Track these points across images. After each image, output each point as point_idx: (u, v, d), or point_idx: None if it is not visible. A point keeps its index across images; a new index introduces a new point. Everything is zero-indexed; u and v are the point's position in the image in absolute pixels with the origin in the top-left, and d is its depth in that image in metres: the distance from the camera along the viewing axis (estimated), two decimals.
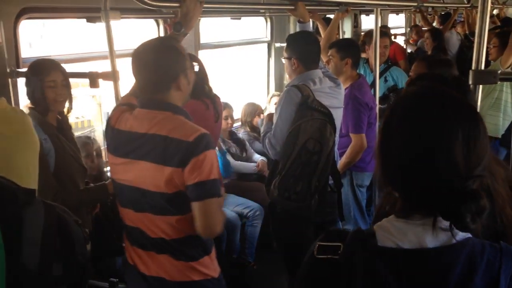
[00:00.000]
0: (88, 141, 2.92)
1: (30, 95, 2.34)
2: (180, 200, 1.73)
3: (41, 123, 2.26)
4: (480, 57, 1.78)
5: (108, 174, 3.14)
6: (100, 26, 2.47)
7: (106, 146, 1.90)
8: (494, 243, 0.94)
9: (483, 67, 1.81)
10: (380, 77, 4.24)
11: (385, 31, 4.98)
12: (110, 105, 2.60)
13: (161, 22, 3.62)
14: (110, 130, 1.86)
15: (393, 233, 0.93)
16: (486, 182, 1.00)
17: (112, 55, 2.48)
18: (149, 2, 2.09)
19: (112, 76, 2.49)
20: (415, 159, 0.92)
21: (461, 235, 0.92)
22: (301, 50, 2.63)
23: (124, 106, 1.91)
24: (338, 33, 5.48)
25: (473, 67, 1.79)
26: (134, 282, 1.92)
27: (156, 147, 1.71)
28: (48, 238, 1.44)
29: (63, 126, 2.46)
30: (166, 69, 1.76)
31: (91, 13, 2.71)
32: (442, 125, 0.92)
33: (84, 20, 2.80)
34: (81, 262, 1.77)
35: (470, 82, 1.79)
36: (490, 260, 0.91)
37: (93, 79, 2.54)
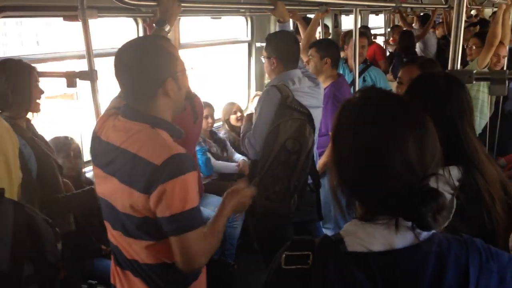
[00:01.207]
0: (66, 141, 2.87)
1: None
2: (149, 226, 1.53)
3: (15, 128, 2.20)
4: (456, 57, 1.81)
5: (87, 175, 3.12)
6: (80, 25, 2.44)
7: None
8: (457, 236, 0.95)
9: (459, 67, 1.84)
10: (359, 77, 4.28)
11: (363, 31, 5.01)
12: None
13: (140, 21, 3.59)
14: (93, 137, 1.68)
15: (361, 237, 0.92)
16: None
17: (89, 54, 2.45)
18: (126, 0, 2.06)
19: (90, 75, 2.47)
20: (371, 164, 0.92)
21: (426, 232, 0.93)
22: (281, 49, 2.63)
23: (112, 110, 1.71)
24: (326, 32, 5.52)
25: (449, 67, 1.82)
26: None
27: (125, 165, 1.51)
28: (18, 238, 1.41)
29: (32, 127, 2.43)
30: (151, 72, 1.53)
31: (69, 12, 2.67)
32: (393, 127, 0.92)
33: (61, 18, 2.76)
34: (51, 261, 1.74)
35: None
36: (457, 254, 0.91)
37: (70, 78, 2.51)
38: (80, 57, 2.63)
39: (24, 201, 2.13)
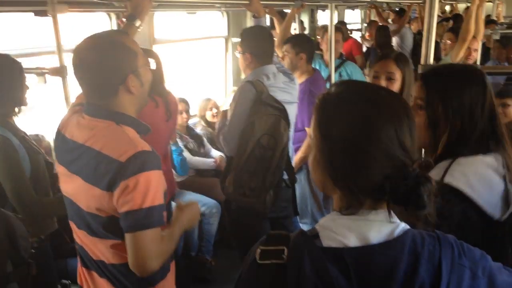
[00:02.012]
0: (37, 139, 2.81)
1: None
2: (114, 225, 1.48)
3: (7, 126, 2.11)
4: (428, 51, 1.82)
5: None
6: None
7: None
8: (431, 232, 0.96)
9: (432, 62, 1.85)
10: (335, 72, 4.30)
11: (338, 26, 5.02)
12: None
13: (113, 16, 3.54)
14: (57, 134, 1.63)
15: (337, 231, 0.92)
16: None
17: (59, 49, 2.41)
18: None
19: (61, 71, 2.42)
20: (369, 147, 0.91)
21: (401, 228, 0.93)
22: (255, 45, 2.61)
23: (77, 106, 1.67)
24: (302, 28, 5.50)
25: (421, 62, 1.83)
26: None
27: (88, 163, 1.48)
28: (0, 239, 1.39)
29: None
30: (112, 69, 1.49)
31: (39, 7, 2.61)
32: (389, 111, 0.94)
33: (32, 14, 2.70)
34: (24, 257, 1.71)
35: (419, 76, 1.82)
36: (431, 250, 0.91)
37: (40, 75, 2.45)
38: (52, 53, 2.58)
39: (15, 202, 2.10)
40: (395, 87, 2.27)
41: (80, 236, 1.62)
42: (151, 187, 1.44)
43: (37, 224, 2.29)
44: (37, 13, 2.65)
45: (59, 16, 2.39)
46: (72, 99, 2.39)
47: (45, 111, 3.20)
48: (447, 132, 1.44)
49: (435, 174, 1.39)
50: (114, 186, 1.42)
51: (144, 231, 1.43)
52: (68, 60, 2.43)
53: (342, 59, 4.43)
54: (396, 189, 0.90)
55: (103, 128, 1.50)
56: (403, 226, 0.94)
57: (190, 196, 3.74)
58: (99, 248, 1.57)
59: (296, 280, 0.88)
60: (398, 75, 2.29)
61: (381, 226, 0.92)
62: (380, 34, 6.32)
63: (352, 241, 0.91)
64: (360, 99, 0.96)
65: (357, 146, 0.92)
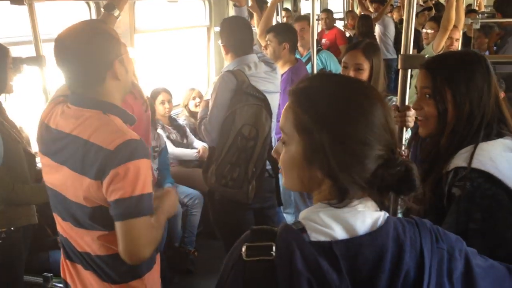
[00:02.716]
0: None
1: None
2: (102, 215, 1.48)
3: None
4: (408, 41, 1.81)
5: (39, 165, 3.02)
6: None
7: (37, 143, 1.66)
8: (408, 218, 0.97)
9: (411, 51, 1.85)
10: (309, 61, 4.28)
11: (304, 15, 4.99)
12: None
13: (92, 5, 3.48)
14: (40, 124, 1.61)
15: (323, 224, 0.91)
16: None
17: (36, 39, 2.36)
18: None
19: (38, 61, 2.37)
20: (366, 139, 0.91)
21: (382, 216, 0.94)
22: (231, 36, 2.59)
23: (60, 97, 1.65)
24: (288, 16, 5.43)
25: (401, 52, 1.83)
26: None
27: (76, 152, 1.46)
28: None
29: (3, 111, 2.34)
30: (98, 55, 1.49)
31: None
32: (378, 99, 0.95)
33: (8, 2, 2.63)
34: None
35: (399, 66, 1.82)
36: (412, 237, 0.92)
37: (16, 64, 2.40)
38: (29, 42, 2.53)
39: None
40: (363, 77, 2.34)
41: (65, 228, 1.61)
42: (140, 175, 1.43)
43: (6, 215, 2.25)
44: (13, 1, 2.59)
45: (36, 4, 2.34)
46: (50, 89, 2.36)
47: (23, 102, 3.15)
48: (454, 119, 1.46)
49: (460, 161, 1.40)
50: (103, 174, 1.42)
51: (136, 218, 1.43)
52: (46, 50, 2.39)
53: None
54: (390, 176, 0.91)
55: (90, 117, 1.49)
56: (384, 214, 0.94)
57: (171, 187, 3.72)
58: (85, 240, 1.56)
59: (288, 276, 0.86)
60: (366, 66, 2.36)
61: (366, 216, 0.92)
62: (362, 23, 6.32)
63: (340, 233, 0.90)
64: (348, 88, 0.97)
65: (356, 135, 0.91)
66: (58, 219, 1.64)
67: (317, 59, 4.18)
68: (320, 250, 0.88)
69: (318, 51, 4.37)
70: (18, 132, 2.41)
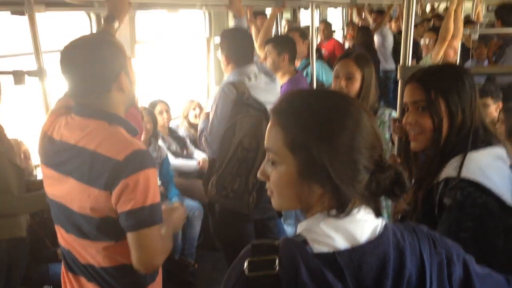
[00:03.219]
0: (15, 143, 2.76)
1: None
2: (109, 226, 1.49)
3: None
4: (407, 52, 1.83)
5: (38, 177, 3.02)
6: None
7: (38, 155, 1.65)
8: (405, 224, 0.98)
9: (410, 62, 1.86)
10: (302, 70, 4.29)
11: (296, 27, 5.01)
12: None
13: (93, 16, 3.49)
14: (43, 136, 1.61)
15: (325, 235, 0.90)
16: None
17: (37, 50, 2.36)
18: None
19: (39, 73, 2.38)
20: (361, 148, 0.92)
21: (381, 223, 0.94)
22: (233, 47, 2.60)
23: (61, 109, 1.66)
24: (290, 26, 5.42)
25: (400, 63, 1.84)
26: None
27: (82, 164, 1.46)
28: None
29: None
30: (105, 66, 1.49)
31: (16, 6, 2.56)
32: (363, 108, 0.96)
33: (9, 13, 2.65)
34: None
35: (398, 77, 1.83)
36: (411, 242, 0.93)
37: (18, 76, 2.40)
38: (30, 54, 2.53)
39: None
40: (355, 86, 2.34)
41: (68, 240, 1.60)
42: (150, 185, 1.45)
43: None
44: (14, 12, 2.61)
45: (37, 16, 2.35)
46: (51, 101, 2.36)
47: (23, 114, 3.16)
48: (448, 129, 1.47)
49: (450, 170, 1.41)
50: (113, 185, 1.42)
51: (148, 228, 1.44)
52: (46, 61, 2.40)
53: (307, 60, 4.41)
54: (382, 181, 0.93)
55: (96, 128, 1.49)
56: (381, 221, 0.94)
57: (174, 199, 3.71)
58: (89, 252, 1.55)
59: None
60: (358, 75, 2.35)
61: (365, 224, 0.92)
62: (362, 34, 6.36)
63: (341, 243, 0.90)
64: (336, 100, 0.97)
65: (352, 145, 0.91)
66: (60, 231, 1.63)
67: (309, 70, 4.20)
68: (324, 262, 0.88)
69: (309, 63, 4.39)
70: (6, 144, 2.41)
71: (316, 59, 4.27)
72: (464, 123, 1.46)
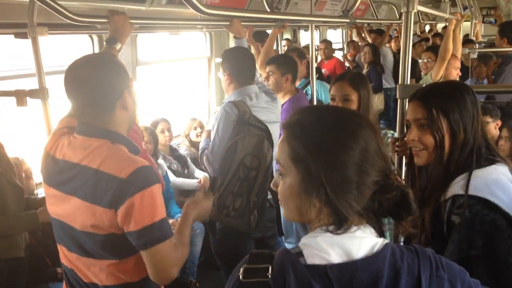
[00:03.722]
0: (17, 162, 2.77)
1: None
2: (113, 244, 1.50)
3: None
4: (406, 71, 1.85)
5: (39, 196, 3.02)
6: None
7: (41, 174, 1.68)
8: (408, 245, 0.97)
9: (409, 81, 1.88)
10: (302, 90, 4.31)
11: (294, 47, 5.07)
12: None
13: (95, 38, 3.54)
14: (45, 156, 1.63)
15: (320, 249, 0.93)
16: None
17: (40, 72, 2.39)
18: (75, 18, 2.01)
19: (41, 94, 2.40)
20: (361, 166, 0.94)
21: (380, 242, 0.95)
22: (235, 65, 2.63)
23: (64, 129, 1.68)
24: (290, 46, 5.50)
25: (399, 82, 1.86)
26: None
27: (86, 182, 1.47)
28: None
29: None
30: (109, 85, 1.52)
31: (19, 29, 2.60)
32: (369, 127, 0.98)
33: (12, 36, 2.69)
34: None
35: (397, 96, 1.85)
36: (410, 264, 0.93)
37: (20, 97, 2.43)
38: (32, 75, 2.56)
39: None
40: (351, 108, 2.27)
41: (70, 259, 1.61)
42: (157, 201, 1.46)
43: None
44: (17, 35, 2.64)
45: (40, 38, 2.38)
46: (53, 122, 2.38)
47: (25, 134, 3.17)
48: (450, 147, 1.48)
49: (457, 188, 1.42)
50: (118, 203, 1.43)
51: (161, 244, 1.46)
52: (48, 82, 2.42)
53: (306, 79, 4.43)
54: (386, 201, 0.93)
55: (99, 146, 1.50)
56: (382, 240, 0.95)
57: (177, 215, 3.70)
58: (92, 270, 1.55)
59: None
60: (354, 96, 2.32)
61: (363, 242, 0.93)
62: (369, 51, 6.49)
63: (335, 258, 0.91)
64: (340, 118, 0.99)
65: (350, 162, 0.93)
66: (63, 250, 1.63)
67: (308, 90, 4.23)
68: (314, 273, 0.90)
69: (310, 82, 4.41)
70: (6, 164, 2.42)
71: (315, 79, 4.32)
72: (466, 140, 1.47)
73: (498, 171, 1.44)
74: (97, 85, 1.50)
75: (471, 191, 1.38)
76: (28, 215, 2.46)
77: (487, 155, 1.48)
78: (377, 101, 6.27)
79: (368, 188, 0.93)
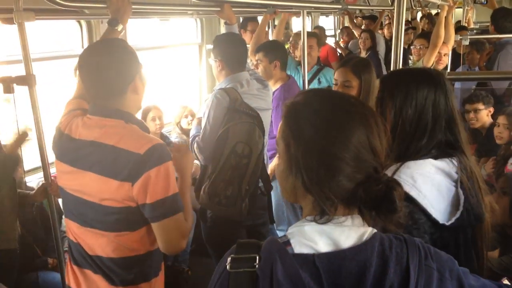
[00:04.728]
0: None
1: None
2: (125, 217, 1.60)
3: None
4: (398, 58, 1.84)
5: (28, 184, 3.00)
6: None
7: (53, 151, 1.77)
8: (398, 235, 0.97)
9: (400, 67, 1.87)
10: (313, 78, 4.29)
11: (313, 32, 5.02)
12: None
13: (84, 23, 3.48)
14: (59, 135, 1.73)
15: (308, 237, 0.93)
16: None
17: (26, 58, 2.33)
18: (62, 2, 1.97)
19: (28, 80, 2.35)
20: (342, 154, 0.93)
21: (369, 232, 0.95)
22: (227, 52, 2.60)
23: (76, 110, 1.78)
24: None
25: (391, 68, 1.85)
26: None
27: (103, 158, 1.57)
28: None
29: None
30: (122, 69, 1.62)
31: (5, 14, 2.55)
32: (362, 119, 0.96)
33: None
34: None
35: None
36: (398, 253, 0.93)
37: (6, 84, 2.38)
38: (19, 61, 2.51)
39: None
40: (352, 94, 2.29)
41: (78, 233, 1.70)
42: (170, 176, 1.57)
43: None
44: (3, 21, 2.60)
45: (26, 24, 2.33)
46: (41, 109, 2.35)
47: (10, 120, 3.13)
48: (390, 133, 1.44)
49: None
50: (135, 178, 1.53)
51: (172, 217, 1.58)
52: (36, 69, 2.38)
53: (320, 65, 4.43)
54: (369, 194, 0.92)
55: (115, 125, 1.61)
56: (371, 230, 0.95)
57: None
58: (100, 243, 1.65)
59: (269, 287, 0.89)
60: (354, 83, 2.35)
61: (351, 231, 0.93)
62: (367, 37, 6.46)
63: (323, 247, 0.92)
64: (331, 105, 0.98)
65: (330, 152, 0.93)
66: (70, 224, 1.73)
67: (321, 77, 4.20)
68: (302, 262, 0.90)
69: (321, 69, 4.39)
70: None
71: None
72: (412, 133, 1.43)
73: (432, 165, 1.41)
74: (110, 69, 1.60)
75: None
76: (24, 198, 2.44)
77: (444, 149, 1.43)
78: (376, 87, 6.24)
79: (346, 179, 0.93)
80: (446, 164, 1.41)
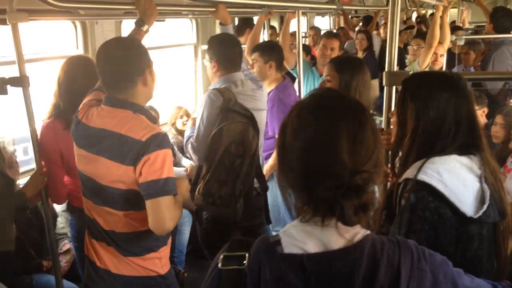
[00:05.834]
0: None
1: None
2: (133, 197, 1.80)
3: None
4: (392, 58, 1.83)
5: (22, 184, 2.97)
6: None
7: (72, 138, 1.96)
8: (391, 237, 0.97)
9: (395, 68, 1.87)
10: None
11: (337, 33, 4.98)
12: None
13: (78, 24, 3.46)
14: (76, 123, 1.92)
15: (298, 238, 0.93)
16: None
17: (20, 59, 2.32)
18: (56, 3, 1.96)
19: (21, 81, 2.34)
20: (306, 160, 0.94)
21: (361, 233, 0.94)
22: (221, 52, 2.59)
23: (93, 101, 1.96)
24: (273, 34, 5.43)
25: (386, 69, 1.84)
26: (88, 273, 2.02)
27: (113, 145, 1.78)
28: None
29: None
30: (133, 61, 1.81)
31: None
32: (325, 124, 0.94)
33: None
34: None
35: (384, 83, 1.83)
36: (390, 255, 0.92)
37: (0, 85, 2.37)
38: (12, 62, 2.50)
39: None
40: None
41: (94, 210, 1.93)
42: (167, 161, 1.76)
43: None
44: None
45: (20, 25, 2.32)
46: (35, 109, 2.34)
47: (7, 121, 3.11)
48: (411, 133, 1.48)
49: (409, 172, 1.42)
50: (136, 161, 1.73)
51: (163, 197, 1.74)
52: (29, 70, 2.36)
53: None
54: (328, 201, 0.91)
55: (124, 116, 1.80)
56: (363, 231, 0.95)
57: None
58: (113, 218, 1.88)
59: (256, 285, 0.90)
60: (333, 79, 2.48)
61: (341, 233, 0.93)
62: (363, 37, 6.46)
63: (312, 247, 0.92)
64: (323, 108, 0.98)
65: (314, 155, 0.93)
66: (88, 203, 1.96)
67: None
68: (290, 262, 0.91)
69: None
70: None
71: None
72: (435, 132, 1.45)
73: (457, 160, 1.43)
74: (123, 61, 1.80)
75: (420, 177, 1.38)
76: (16, 195, 2.41)
77: (464, 147, 1.45)
78: (373, 88, 6.24)
79: (332, 183, 0.91)
80: (470, 160, 1.44)
